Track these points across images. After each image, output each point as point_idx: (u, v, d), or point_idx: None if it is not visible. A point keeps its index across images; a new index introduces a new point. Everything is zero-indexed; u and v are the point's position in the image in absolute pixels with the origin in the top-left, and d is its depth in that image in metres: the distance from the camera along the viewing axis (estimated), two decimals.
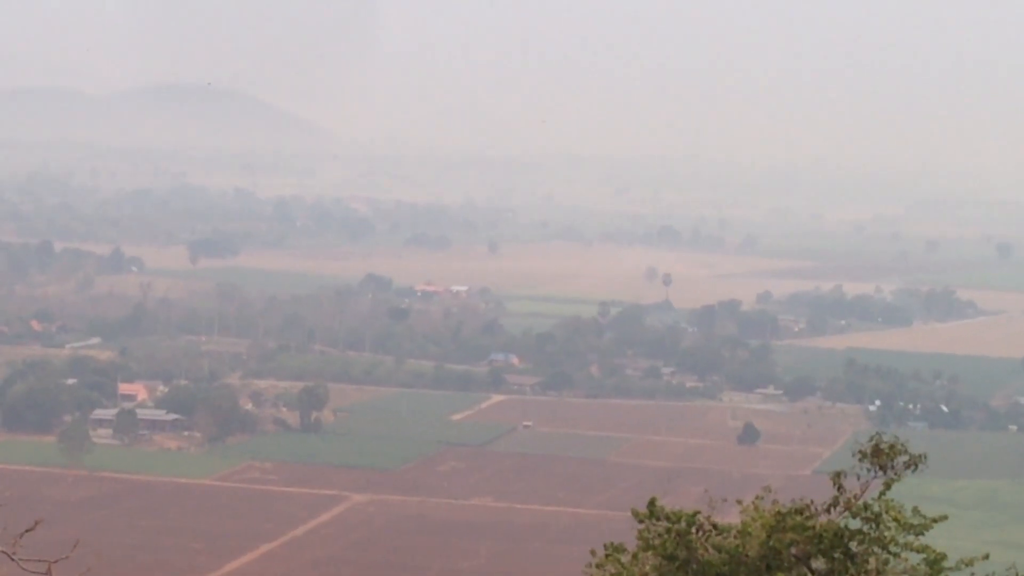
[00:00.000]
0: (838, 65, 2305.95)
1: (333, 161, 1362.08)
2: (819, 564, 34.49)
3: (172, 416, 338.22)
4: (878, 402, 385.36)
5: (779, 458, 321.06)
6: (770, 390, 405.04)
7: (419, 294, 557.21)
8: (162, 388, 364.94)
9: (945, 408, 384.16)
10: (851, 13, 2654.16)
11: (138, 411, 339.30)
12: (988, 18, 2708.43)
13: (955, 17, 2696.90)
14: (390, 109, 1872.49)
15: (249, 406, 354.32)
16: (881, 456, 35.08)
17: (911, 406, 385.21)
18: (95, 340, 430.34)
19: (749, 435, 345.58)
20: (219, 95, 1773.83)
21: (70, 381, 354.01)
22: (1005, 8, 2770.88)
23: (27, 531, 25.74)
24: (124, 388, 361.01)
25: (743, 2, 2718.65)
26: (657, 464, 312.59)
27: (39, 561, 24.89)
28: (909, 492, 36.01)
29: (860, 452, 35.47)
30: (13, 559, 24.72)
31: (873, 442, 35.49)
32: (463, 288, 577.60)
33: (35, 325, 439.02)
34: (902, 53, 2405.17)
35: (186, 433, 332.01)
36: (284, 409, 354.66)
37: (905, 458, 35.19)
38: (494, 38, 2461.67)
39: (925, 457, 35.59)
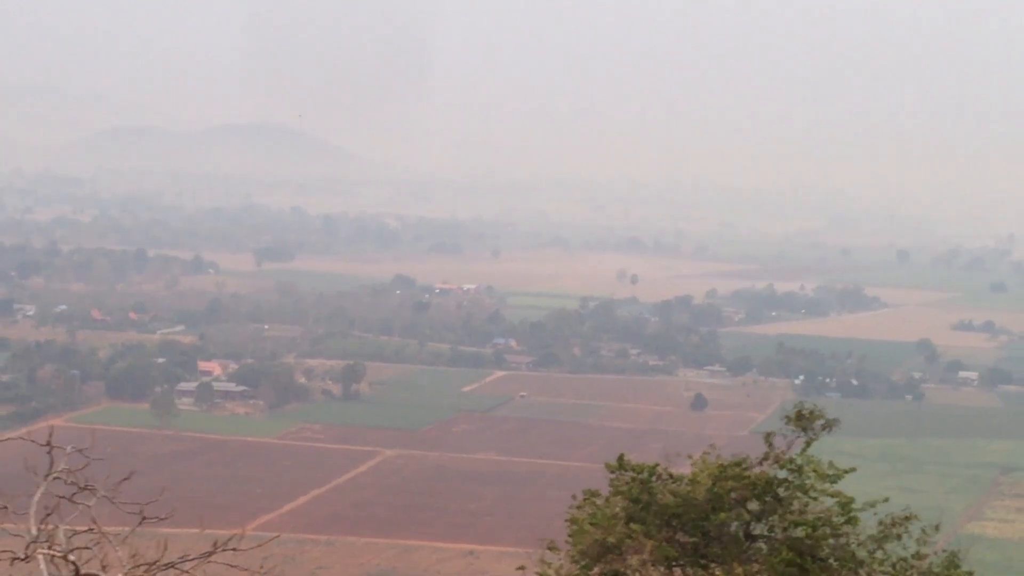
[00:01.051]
0: (774, 102, 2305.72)
1: (370, 185, 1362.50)
2: (754, 506, 34.47)
3: (241, 388, 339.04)
4: (802, 377, 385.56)
5: (723, 421, 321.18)
6: (716, 367, 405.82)
7: (437, 291, 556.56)
8: (233, 365, 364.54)
9: (855, 381, 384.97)
10: (782, 54, 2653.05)
11: (214, 384, 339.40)
12: (888, 54, 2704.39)
13: (861, 55, 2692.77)
14: (418, 142, 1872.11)
15: (302, 380, 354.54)
16: (803, 420, 35.20)
17: (828, 380, 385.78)
18: (180, 327, 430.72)
19: (699, 403, 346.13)
20: (279, 131, 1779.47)
21: (160, 360, 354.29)
22: (901, 43, 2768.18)
23: (124, 479, 25.73)
24: (203, 365, 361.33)
25: (691, 51, 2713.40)
26: (627, 426, 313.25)
27: (134, 504, 24.91)
28: (826, 449, 36.00)
29: (787, 417, 35.63)
30: (113, 502, 24.73)
31: (797, 409, 35.61)
32: (472, 286, 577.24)
33: (132, 315, 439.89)
34: (826, 93, 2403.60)
35: (252, 401, 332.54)
36: (330, 382, 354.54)
37: (822, 422, 35.29)
38: (502, 81, 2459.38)
39: (837, 421, 35.67)
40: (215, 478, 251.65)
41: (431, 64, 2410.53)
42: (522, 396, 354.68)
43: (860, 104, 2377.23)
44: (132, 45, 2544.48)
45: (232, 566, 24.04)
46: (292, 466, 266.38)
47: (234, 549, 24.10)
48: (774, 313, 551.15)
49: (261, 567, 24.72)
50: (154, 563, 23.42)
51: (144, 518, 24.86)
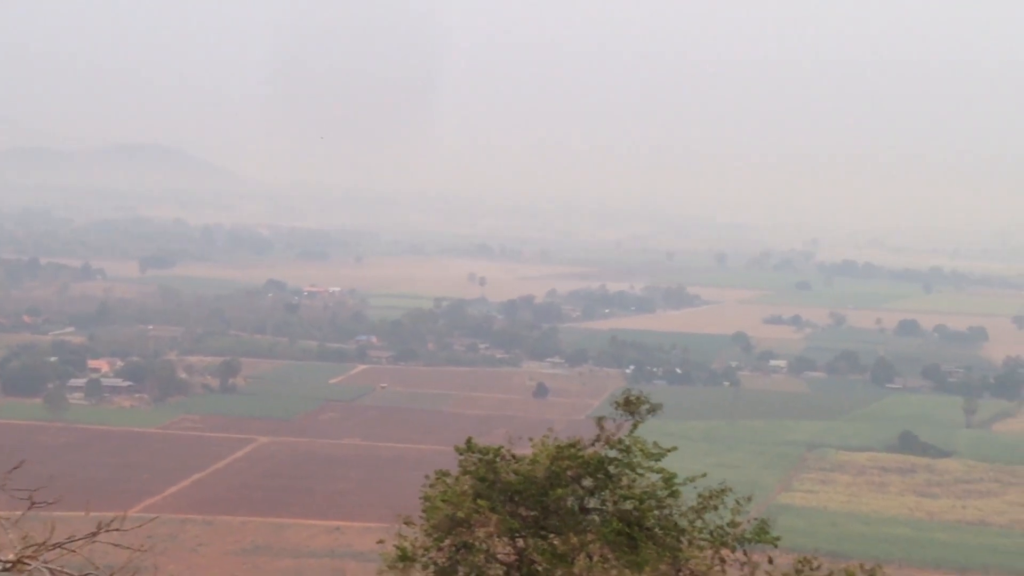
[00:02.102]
0: (607, 125, 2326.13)
1: (246, 199, 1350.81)
2: (587, 482, 34.59)
3: (127, 383, 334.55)
4: (632, 367, 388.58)
5: (563, 408, 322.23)
6: (556, 359, 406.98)
7: (306, 293, 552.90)
8: (120, 363, 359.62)
9: (679, 370, 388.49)
10: (608, 78, 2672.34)
11: (102, 380, 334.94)
12: (700, 78, 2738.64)
13: (677, 80, 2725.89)
14: (287, 157, 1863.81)
15: (183, 375, 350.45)
16: (630, 405, 35.34)
17: (655, 369, 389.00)
18: (70, 329, 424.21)
19: (541, 392, 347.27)
20: (161, 151, 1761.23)
21: (52, 359, 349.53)
22: (712, 64, 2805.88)
23: (15, 468, 25.30)
24: (92, 363, 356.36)
25: (526, 75, 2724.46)
26: (476, 413, 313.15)
27: (25, 490, 24.46)
28: (654, 430, 36.20)
29: (616, 403, 35.77)
30: (3, 490, 24.27)
31: (625, 395, 35.76)
32: (338, 289, 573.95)
33: (26, 319, 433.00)
34: (651, 117, 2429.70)
35: (137, 395, 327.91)
36: (209, 377, 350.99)
37: (647, 406, 35.50)
38: (366, 102, 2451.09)
39: (661, 405, 35.91)
40: (103, 465, 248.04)
41: (309, 86, 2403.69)
42: (383, 387, 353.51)
43: (682, 125, 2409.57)
44: (32, 70, 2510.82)
45: (116, 545, 23.76)
46: (175, 453, 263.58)
47: (117, 529, 23.82)
48: (607, 310, 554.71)
49: (143, 545, 24.45)
50: (42, 544, 23.06)
51: (33, 503, 24.44)
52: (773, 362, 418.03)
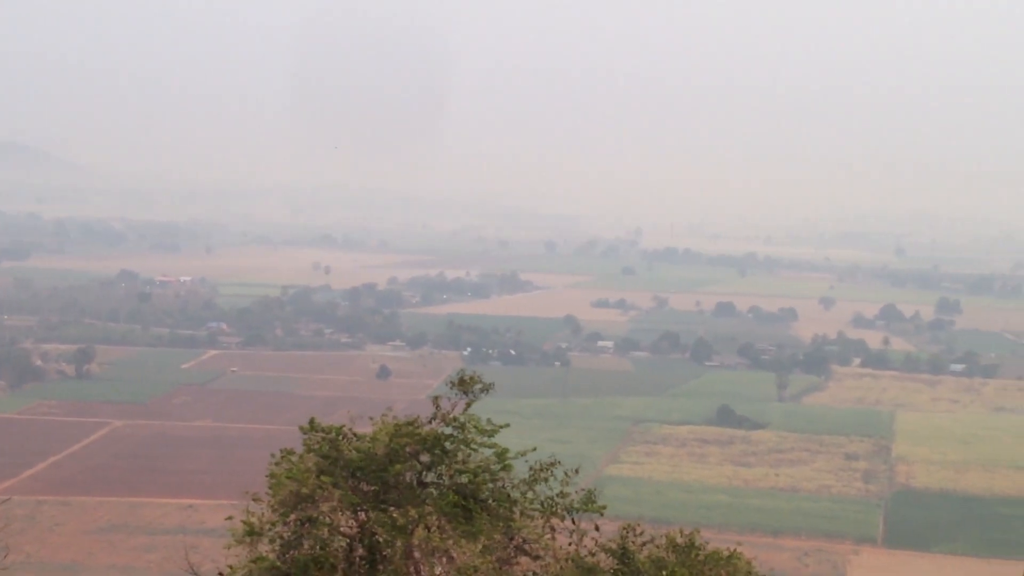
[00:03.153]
0: (448, 118, 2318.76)
1: (100, 194, 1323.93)
2: (425, 458, 34.61)
3: None
4: (469, 349, 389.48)
5: (404, 388, 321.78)
6: (398, 343, 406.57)
7: (158, 283, 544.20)
8: None
9: (513, 352, 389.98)
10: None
11: None
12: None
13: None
14: (143, 152, 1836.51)
15: (39, 362, 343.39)
16: (464, 385, 35.41)
17: (491, 351, 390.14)
18: None
19: (384, 373, 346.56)
20: (18, 148, 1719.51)
21: None
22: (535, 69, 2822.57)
23: None
24: None
25: (365, 75, 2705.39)
26: (323, 394, 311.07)
27: None
28: (490, 409, 36.31)
29: (451, 382, 35.83)
30: None
31: (459, 376, 35.85)
32: (188, 278, 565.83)
33: None
34: (483, 112, 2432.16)
35: None
36: (64, 364, 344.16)
37: (480, 385, 35.61)
38: (214, 99, 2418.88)
39: (493, 384, 36.02)
40: None
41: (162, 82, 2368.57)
42: (233, 371, 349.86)
43: (512, 126, 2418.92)
44: None
45: None
46: (31, 437, 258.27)
47: None
48: (445, 296, 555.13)
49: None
50: None
51: None
52: (601, 343, 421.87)
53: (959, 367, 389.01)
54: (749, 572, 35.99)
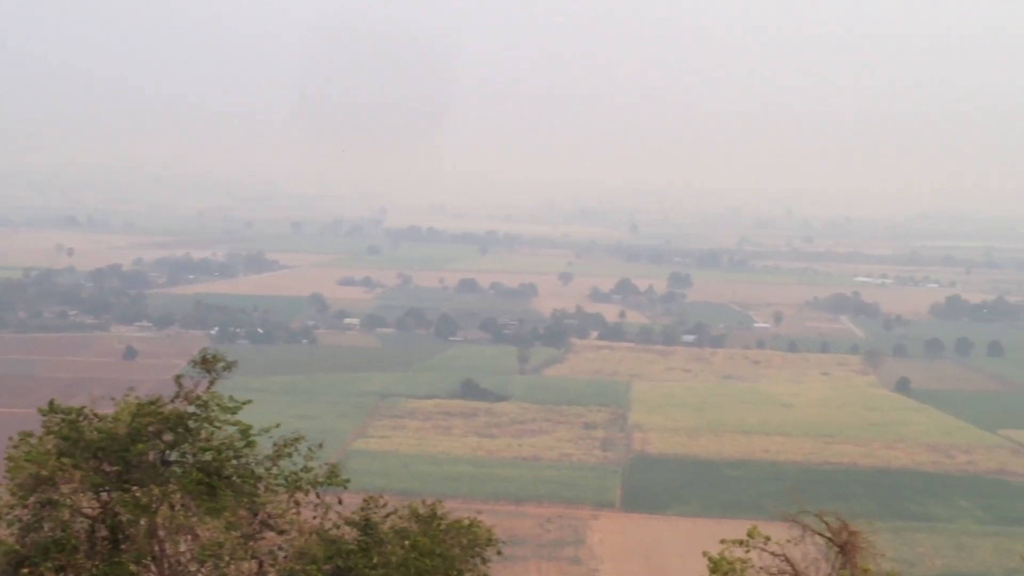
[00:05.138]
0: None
1: None
2: (168, 437, 34.18)
3: None
4: (217, 328, 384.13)
5: (150, 369, 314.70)
6: (144, 323, 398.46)
7: None
8: None
9: (261, 330, 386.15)
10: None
11: None
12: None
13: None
14: None
15: None
16: (207, 364, 35.13)
17: (239, 330, 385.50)
18: None
19: (130, 354, 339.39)
20: None
21: None
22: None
23: None
24: None
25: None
26: (68, 376, 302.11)
27: None
28: (240, 386, 35.99)
29: (193, 362, 35.45)
30: None
31: (202, 355, 35.49)
32: None
33: None
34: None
35: None
36: None
37: (223, 364, 35.31)
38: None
39: (236, 363, 35.77)
40: None
41: None
42: None
43: (256, 102, 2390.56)
44: None
45: None
46: None
47: None
48: (192, 276, 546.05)
49: None
50: None
51: None
52: (347, 320, 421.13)
53: (690, 338, 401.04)
54: (489, 539, 36.55)
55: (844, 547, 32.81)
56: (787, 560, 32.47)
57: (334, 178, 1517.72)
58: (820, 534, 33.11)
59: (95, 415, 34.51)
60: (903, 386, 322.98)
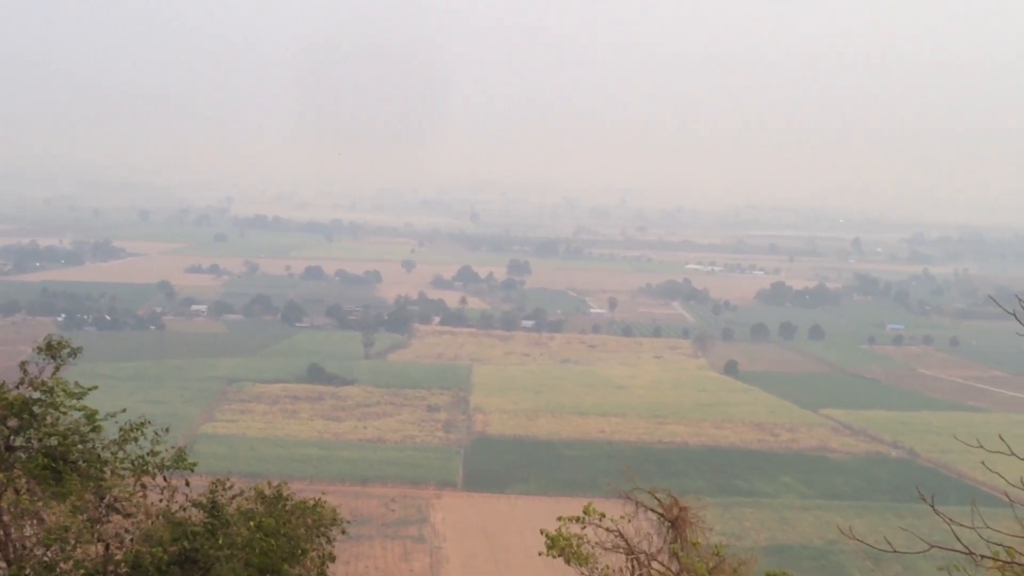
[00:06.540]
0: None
1: None
2: (13, 423, 33.39)
3: None
4: (64, 315, 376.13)
5: None
6: None
7: None
8: None
9: (108, 317, 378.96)
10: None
11: None
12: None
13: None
14: None
15: None
16: (52, 349, 34.35)
17: (86, 317, 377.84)
18: None
19: None
20: None
21: None
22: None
23: None
24: None
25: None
26: None
27: None
28: (87, 372, 35.60)
29: (38, 348, 34.69)
30: None
31: (47, 341, 34.74)
32: None
33: None
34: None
35: None
36: None
37: (68, 350, 34.60)
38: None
39: (81, 349, 35.02)
40: None
41: None
42: None
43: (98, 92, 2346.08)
44: None
45: None
46: None
47: None
48: (38, 264, 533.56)
49: None
50: None
51: None
52: (195, 307, 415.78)
53: (529, 323, 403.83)
54: (334, 519, 36.34)
55: (675, 522, 33.26)
56: (621, 535, 32.79)
57: (181, 165, 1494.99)
58: (652, 510, 33.53)
59: None
60: (731, 368, 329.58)
